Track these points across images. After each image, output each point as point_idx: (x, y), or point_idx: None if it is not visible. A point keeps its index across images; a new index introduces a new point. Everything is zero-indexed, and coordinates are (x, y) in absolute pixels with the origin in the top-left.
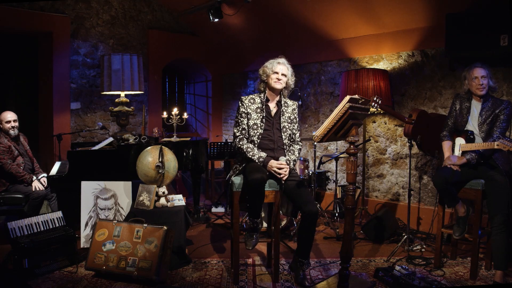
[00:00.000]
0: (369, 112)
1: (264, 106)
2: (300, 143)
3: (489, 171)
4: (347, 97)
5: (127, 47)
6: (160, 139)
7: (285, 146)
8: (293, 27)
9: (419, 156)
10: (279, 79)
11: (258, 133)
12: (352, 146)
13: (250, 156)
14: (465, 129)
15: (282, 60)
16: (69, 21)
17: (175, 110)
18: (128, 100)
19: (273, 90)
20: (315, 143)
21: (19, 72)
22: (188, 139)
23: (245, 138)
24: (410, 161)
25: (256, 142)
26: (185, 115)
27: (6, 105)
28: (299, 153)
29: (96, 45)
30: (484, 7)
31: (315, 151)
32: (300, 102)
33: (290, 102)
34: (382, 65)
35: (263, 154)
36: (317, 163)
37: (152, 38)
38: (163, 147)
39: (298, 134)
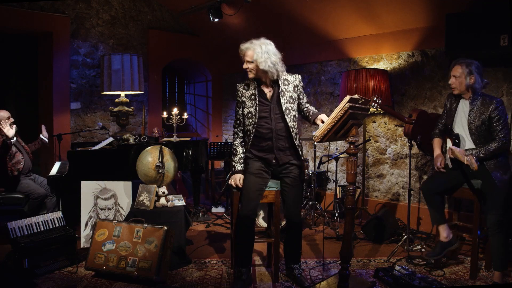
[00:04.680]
0: (369, 112)
1: (257, 92)
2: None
3: (486, 171)
4: (347, 97)
5: (127, 47)
6: (160, 139)
7: (292, 130)
8: (293, 27)
9: (419, 156)
10: (246, 68)
11: (253, 122)
12: (352, 146)
13: (232, 163)
14: (454, 131)
15: (246, 44)
16: (69, 21)
17: (175, 110)
18: (128, 100)
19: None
20: (315, 143)
21: (19, 72)
22: (188, 139)
23: (240, 132)
24: (410, 161)
25: (251, 131)
26: (185, 115)
27: (6, 105)
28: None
29: (96, 45)
30: (484, 7)
31: (315, 151)
32: None
33: (291, 78)
34: (382, 65)
35: (237, 167)
36: (317, 163)
37: (152, 38)
38: (163, 147)
39: (307, 102)
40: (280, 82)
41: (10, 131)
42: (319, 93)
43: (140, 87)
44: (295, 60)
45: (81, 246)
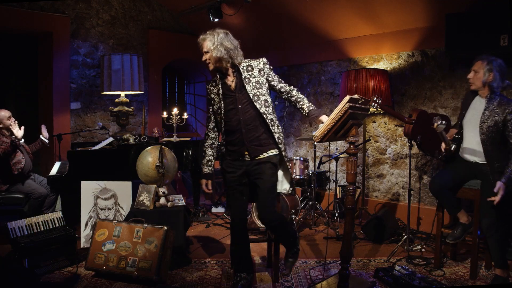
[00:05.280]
0: (369, 112)
1: (221, 85)
2: (288, 84)
3: (487, 173)
4: (347, 97)
5: (127, 47)
6: (160, 139)
7: (265, 116)
8: (293, 27)
9: (419, 156)
10: (205, 61)
11: (222, 117)
12: (352, 146)
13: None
14: (463, 126)
15: (201, 36)
16: (69, 21)
17: (175, 110)
18: (128, 100)
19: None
20: (315, 143)
21: (19, 72)
22: (188, 139)
23: (211, 132)
24: (410, 161)
25: (222, 127)
26: (185, 115)
27: (6, 105)
28: (302, 95)
29: (96, 45)
30: (484, 7)
31: (315, 151)
32: None
33: (254, 63)
34: (382, 65)
35: (203, 170)
36: (317, 163)
37: (152, 38)
38: (163, 147)
39: (281, 82)
40: (241, 70)
41: (19, 132)
42: (319, 93)
43: (140, 87)
44: (295, 60)
45: (81, 246)
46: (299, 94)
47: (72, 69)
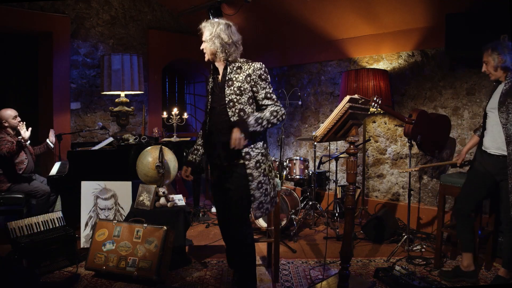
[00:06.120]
0: (369, 112)
1: (212, 80)
2: (276, 104)
3: (504, 175)
4: (347, 97)
5: (127, 47)
6: (160, 139)
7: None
8: (293, 27)
9: (419, 156)
10: (202, 49)
11: (206, 112)
12: (352, 146)
13: None
14: (487, 113)
15: (203, 24)
16: (69, 21)
17: (175, 110)
18: (128, 100)
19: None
20: (315, 143)
21: (19, 72)
22: (188, 139)
23: (205, 124)
24: (410, 161)
25: (206, 123)
26: (185, 115)
27: (6, 105)
28: (271, 114)
29: (96, 45)
30: (484, 7)
31: (315, 151)
32: (300, 102)
33: (245, 66)
34: (382, 65)
35: (188, 157)
36: (317, 163)
37: (152, 38)
38: (163, 147)
39: (269, 99)
40: (229, 69)
41: (26, 133)
42: (319, 93)
43: (140, 87)
44: (295, 60)
45: (81, 246)
46: (267, 113)
47: (72, 69)
